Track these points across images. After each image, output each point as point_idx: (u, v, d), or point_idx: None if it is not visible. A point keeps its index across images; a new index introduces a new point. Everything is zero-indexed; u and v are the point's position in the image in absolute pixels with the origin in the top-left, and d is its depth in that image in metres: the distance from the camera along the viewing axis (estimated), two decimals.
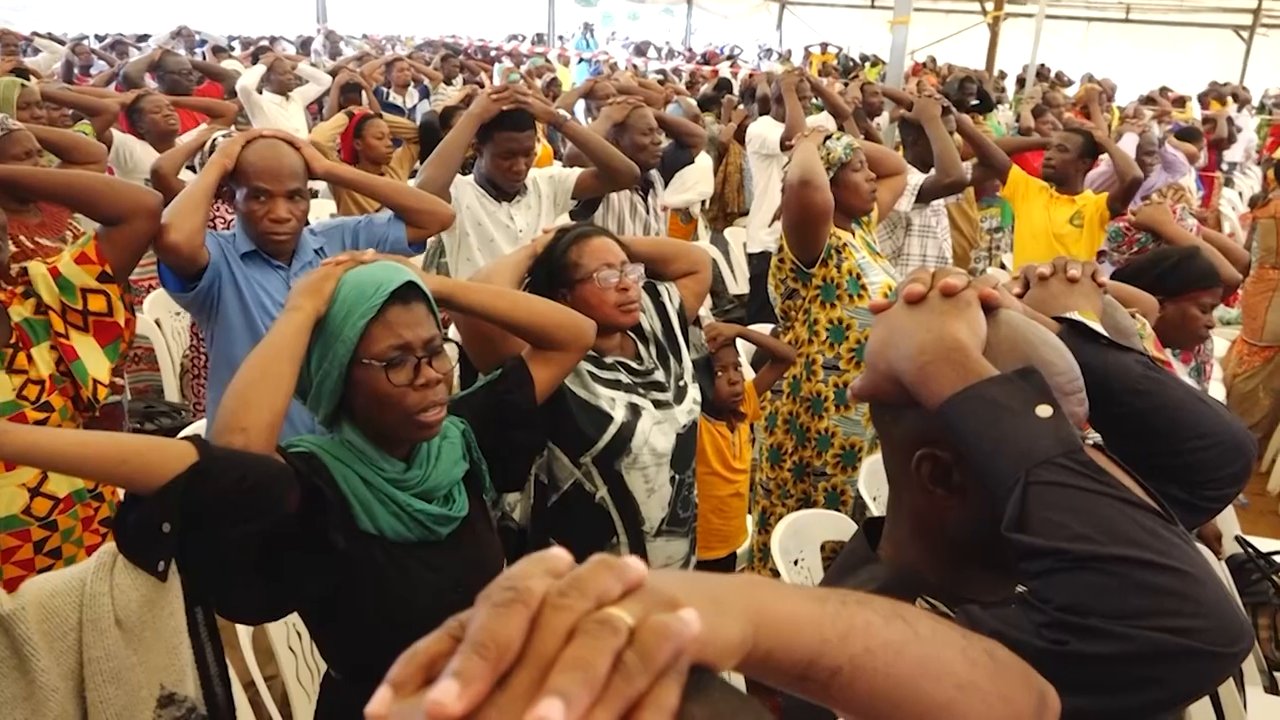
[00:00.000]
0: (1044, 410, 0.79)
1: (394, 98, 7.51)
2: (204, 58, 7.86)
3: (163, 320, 3.85)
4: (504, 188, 3.07)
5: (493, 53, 12.98)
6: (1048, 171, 4.02)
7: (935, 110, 3.54)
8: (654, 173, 3.82)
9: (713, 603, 0.50)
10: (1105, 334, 1.11)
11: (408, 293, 1.50)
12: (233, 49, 10.83)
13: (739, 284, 5.55)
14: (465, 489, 1.64)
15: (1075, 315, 1.16)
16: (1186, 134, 5.78)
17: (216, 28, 13.32)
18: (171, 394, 3.81)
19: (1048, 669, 0.71)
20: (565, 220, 3.17)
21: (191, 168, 3.64)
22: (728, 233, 5.98)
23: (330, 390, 1.48)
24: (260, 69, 6.21)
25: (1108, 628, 0.71)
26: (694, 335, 2.45)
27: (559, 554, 0.47)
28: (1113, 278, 2.56)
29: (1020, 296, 1.24)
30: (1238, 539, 3.01)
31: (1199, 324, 2.49)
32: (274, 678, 2.23)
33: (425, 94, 7.93)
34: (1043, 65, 12.60)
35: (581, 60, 13.77)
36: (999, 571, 0.89)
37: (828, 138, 2.84)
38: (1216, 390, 4.66)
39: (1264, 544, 2.98)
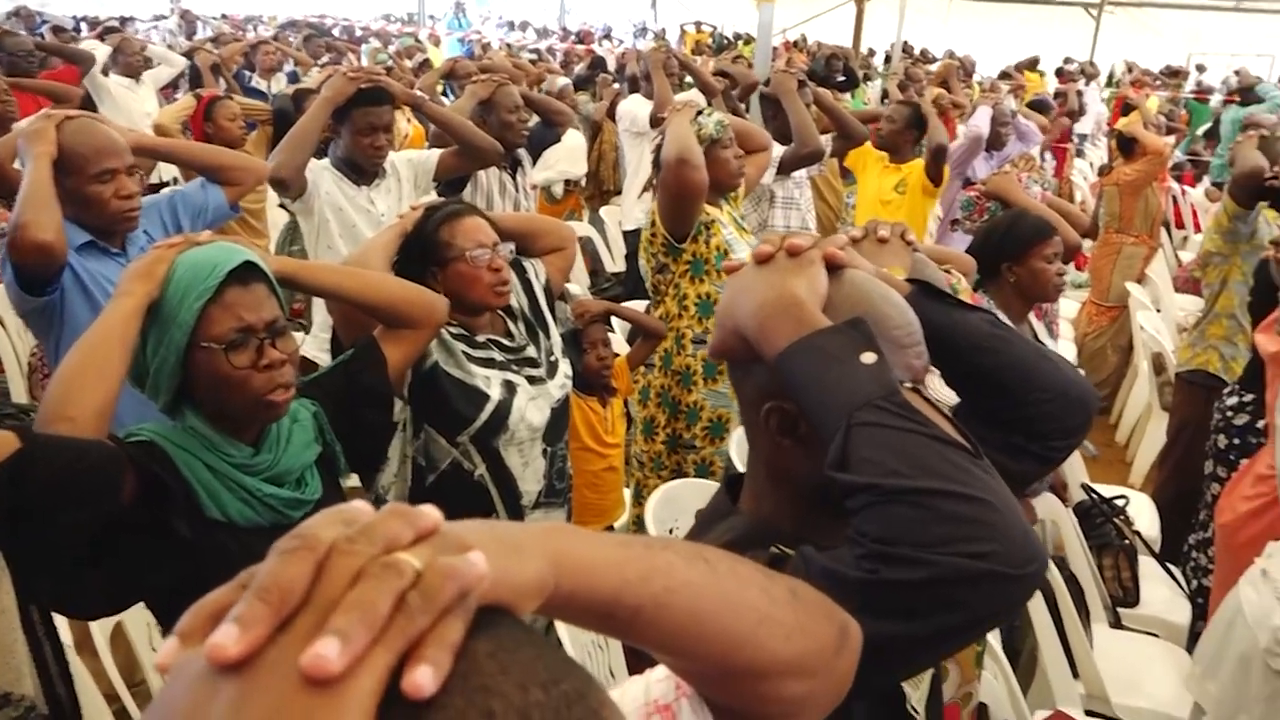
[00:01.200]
0: (868, 357, 0.83)
1: (258, 82, 7.23)
2: (43, 38, 7.40)
3: (5, 318, 3.64)
4: (364, 168, 3.00)
5: (359, 33, 12.63)
6: (880, 142, 4.21)
7: (791, 84, 3.62)
8: (522, 151, 3.80)
9: (509, 547, 0.52)
10: (957, 297, 1.15)
11: (246, 273, 1.46)
12: (79, 30, 10.24)
13: (616, 262, 5.57)
14: (319, 472, 1.62)
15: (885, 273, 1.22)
16: (1037, 105, 6.05)
17: (65, 7, 12.58)
18: (19, 395, 3.60)
19: (864, 597, 0.75)
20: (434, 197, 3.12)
21: None
22: (604, 211, 6.00)
23: (168, 376, 1.44)
24: (106, 50, 5.90)
25: (915, 555, 0.76)
26: (560, 310, 2.46)
27: (356, 506, 0.48)
28: (969, 249, 2.68)
29: None
30: (1083, 486, 3.19)
31: (1049, 275, 2.56)
32: (141, 684, 2.15)
33: (294, 79, 7.67)
34: (907, 43, 13.02)
35: (453, 40, 13.52)
36: (846, 516, 0.93)
37: (699, 113, 2.87)
38: (1066, 349, 4.93)
39: (1110, 490, 3.18)
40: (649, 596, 0.60)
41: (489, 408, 2.01)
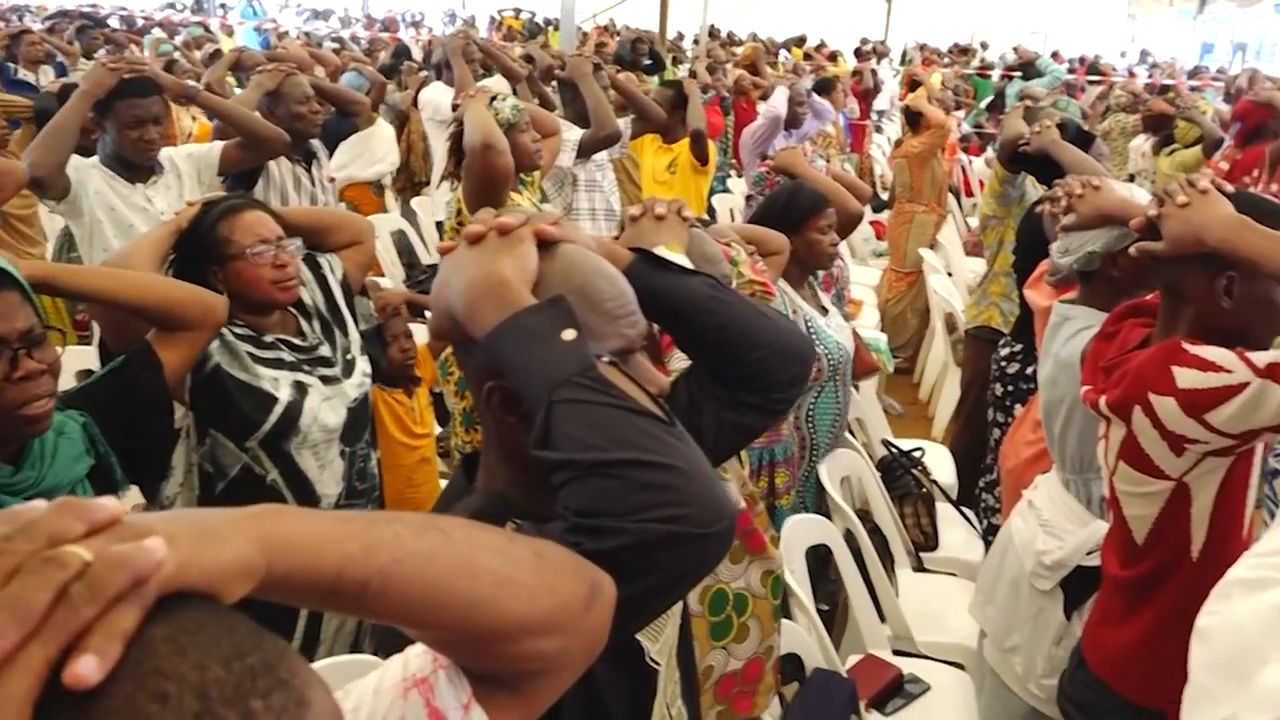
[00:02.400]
0: (568, 334, 0.85)
1: (24, 74, 6.69)
2: None
3: None
4: (135, 164, 2.83)
5: (140, 23, 11.84)
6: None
7: (587, 68, 3.65)
8: (317, 143, 3.66)
9: (204, 533, 0.52)
10: (678, 262, 1.19)
11: None
12: None
13: (431, 254, 5.47)
14: (93, 487, 1.54)
15: (662, 249, 1.25)
16: (822, 86, 6.33)
17: None
18: None
19: None
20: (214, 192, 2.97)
21: None
22: (415, 202, 5.87)
23: None
24: None
25: (612, 525, 0.78)
26: (362, 306, 2.40)
27: (26, 505, 0.47)
28: (751, 220, 2.78)
29: (616, 239, 1.32)
30: (884, 442, 3.38)
31: (824, 245, 2.75)
32: None
33: (62, 71, 7.14)
34: (714, 26, 13.35)
35: (248, 30, 12.88)
36: None
37: (493, 98, 2.84)
38: (870, 314, 5.19)
39: (910, 444, 3.38)
40: (375, 569, 0.60)
41: (277, 410, 1.94)
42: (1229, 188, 1.53)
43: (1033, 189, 3.63)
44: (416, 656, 0.75)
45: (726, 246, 1.76)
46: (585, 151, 3.53)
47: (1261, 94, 5.18)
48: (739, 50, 10.29)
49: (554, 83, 4.61)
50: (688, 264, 1.24)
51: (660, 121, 4.09)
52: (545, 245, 0.97)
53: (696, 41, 12.26)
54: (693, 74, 6.93)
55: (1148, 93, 7.70)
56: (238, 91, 4.39)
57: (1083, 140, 3.10)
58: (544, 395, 0.83)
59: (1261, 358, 1.40)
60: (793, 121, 4.94)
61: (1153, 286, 1.70)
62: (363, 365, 2.18)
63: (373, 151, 5.13)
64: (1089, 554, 1.92)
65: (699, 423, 1.15)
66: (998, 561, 2.20)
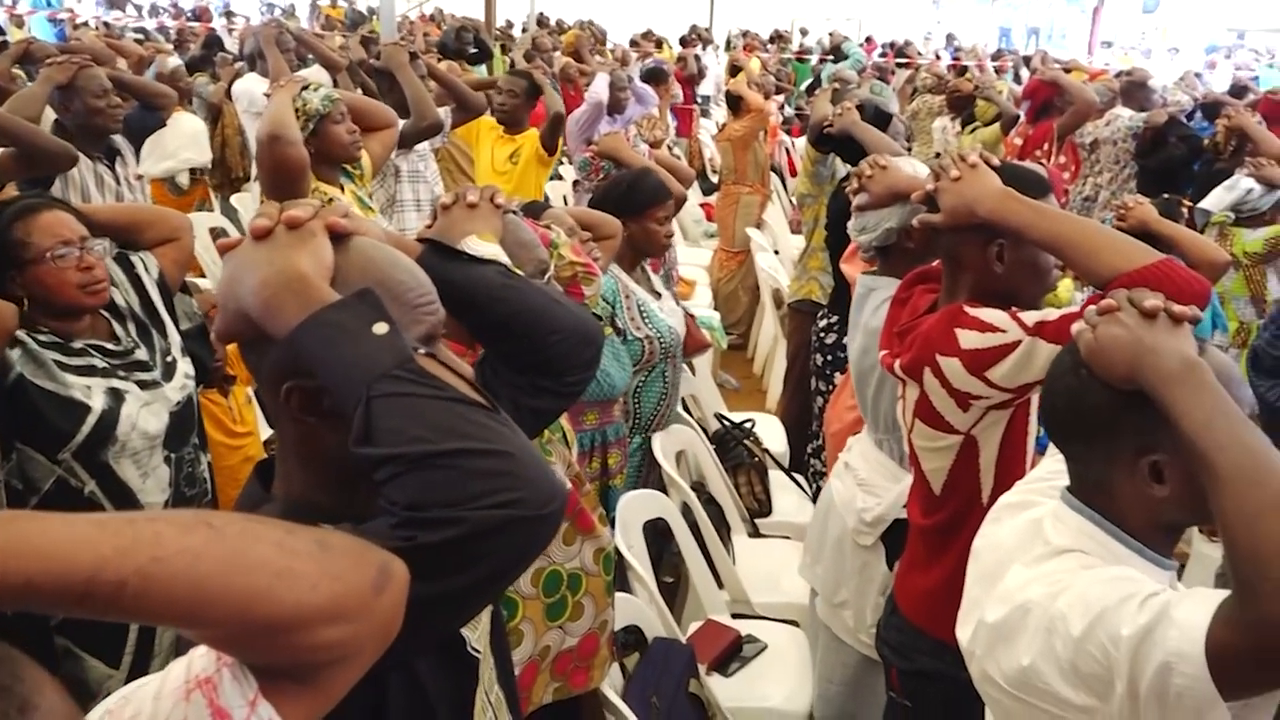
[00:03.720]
0: (380, 328, 0.84)
1: None
2: None
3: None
4: None
5: None
6: (500, 115, 4.33)
7: (403, 57, 3.59)
8: (120, 139, 3.47)
9: None
10: (478, 252, 1.21)
11: None
12: None
13: None
14: None
15: (474, 237, 1.26)
16: (650, 74, 6.44)
17: None
18: None
19: (407, 565, 0.77)
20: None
21: None
22: (235, 199, 5.63)
23: None
24: None
25: (447, 515, 0.79)
26: (184, 304, 2.30)
27: None
28: (590, 205, 2.82)
29: (429, 228, 1.32)
30: (716, 416, 3.50)
31: (660, 235, 2.82)
32: None
33: None
34: (543, 14, 13.30)
35: (40, 19, 11.95)
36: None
37: (304, 88, 2.76)
38: (703, 294, 5.34)
39: (741, 416, 3.50)
40: (132, 570, 0.59)
41: (90, 420, 1.86)
42: (995, 160, 1.67)
43: (842, 167, 3.82)
44: (200, 657, 0.73)
45: (546, 231, 1.79)
46: (406, 142, 3.47)
47: (1047, 73, 5.59)
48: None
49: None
50: (500, 252, 1.26)
51: (480, 110, 4.05)
52: (337, 238, 0.95)
53: (525, 30, 12.20)
54: (512, 63, 6.90)
55: (951, 75, 8.18)
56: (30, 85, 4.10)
57: (881, 120, 3.28)
58: (360, 391, 0.81)
59: (1031, 316, 1.55)
60: (616, 107, 5.01)
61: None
62: (185, 367, 2.10)
63: (164, 147, 4.87)
64: (902, 507, 2.06)
65: None
66: (822, 522, 2.33)
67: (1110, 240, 1.48)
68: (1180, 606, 0.95)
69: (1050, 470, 1.29)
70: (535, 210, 2.09)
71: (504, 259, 1.24)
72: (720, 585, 2.79)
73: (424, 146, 3.69)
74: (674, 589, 3.03)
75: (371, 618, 0.71)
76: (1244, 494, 0.90)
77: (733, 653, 2.50)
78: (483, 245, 1.24)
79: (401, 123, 3.35)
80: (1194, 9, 19.31)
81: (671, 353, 2.79)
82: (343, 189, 2.86)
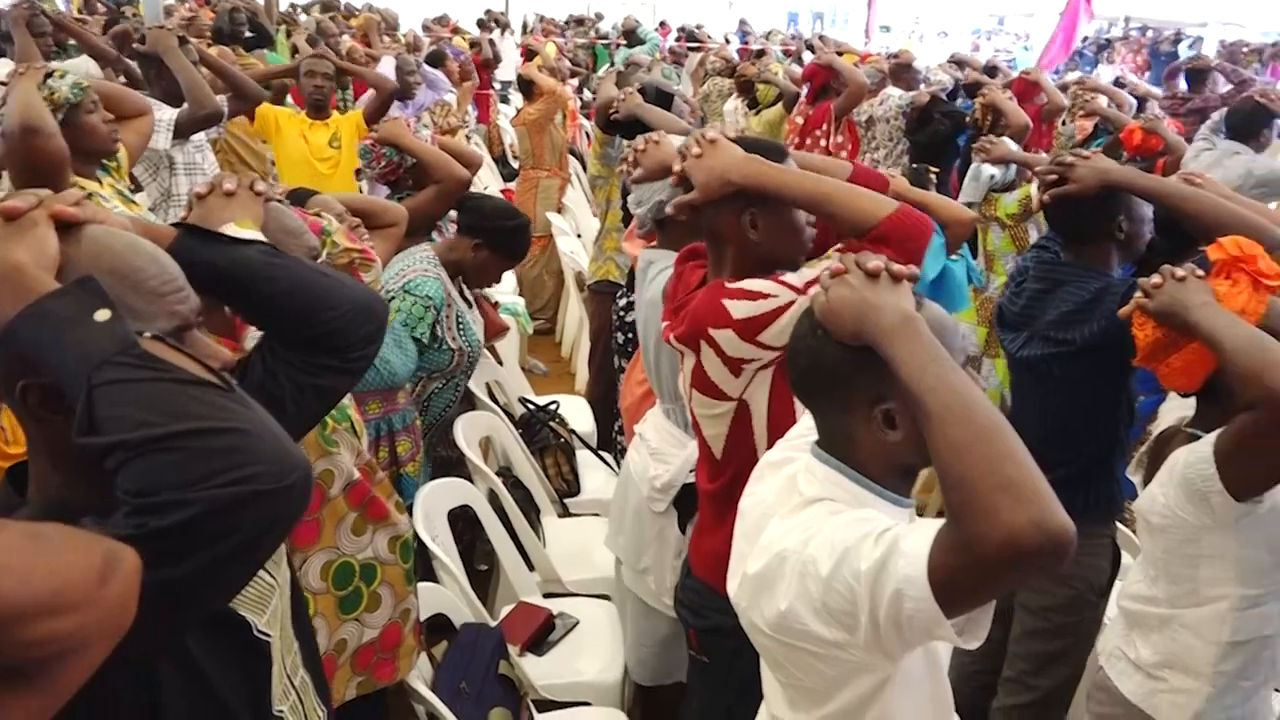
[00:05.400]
0: (102, 315, 0.82)
1: None
2: None
3: None
4: None
5: None
6: (316, 100, 4.19)
7: (171, 41, 3.37)
8: None
9: None
10: (229, 235, 1.18)
11: None
12: None
13: None
14: None
15: (231, 225, 1.23)
16: (430, 58, 6.36)
17: None
18: None
19: (142, 553, 0.76)
20: None
21: None
22: None
23: None
24: None
25: (177, 498, 0.78)
26: None
27: None
28: (473, 218, 2.77)
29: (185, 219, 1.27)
30: (520, 400, 3.52)
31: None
32: None
33: None
34: None
35: None
36: None
37: (49, 75, 2.56)
38: (507, 279, 5.31)
39: (544, 399, 3.53)
40: None
41: None
42: (731, 133, 1.75)
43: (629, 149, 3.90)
44: None
45: (316, 218, 1.75)
46: (182, 132, 3.28)
47: (823, 57, 5.89)
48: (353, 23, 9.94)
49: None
50: (261, 237, 1.23)
51: (258, 99, 3.88)
52: (68, 228, 0.92)
53: (308, 13, 11.70)
54: (294, 48, 6.63)
55: (740, 58, 8.47)
56: None
57: (663, 100, 3.37)
58: (82, 381, 0.80)
59: (798, 277, 1.64)
60: (405, 93, 4.91)
61: None
62: None
63: None
64: (690, 472, 2.14)
65: (278, 393, 1.14)
66: (623, 493, 2.39)
67: (857, 192, 1.62)
68: (907, 538, 1.04)
69: (807, 426, 1.38)
70: (301, 198, 2.03)
71: (266, 242, 1.21)
72: (531, 567, 2.81)
73: (200, 137, 3.50)
74: (488, 576, 3.03)
75: (97, 608, 0.70)
76: (951, 429, 1.00)
77: (545, 632, 2.53)
78: (242, 231, 1.21)
79: (175, 112, 3.17)
80: None
81: (473, 364, 2.78)
82: (100, 183, 2.68)
